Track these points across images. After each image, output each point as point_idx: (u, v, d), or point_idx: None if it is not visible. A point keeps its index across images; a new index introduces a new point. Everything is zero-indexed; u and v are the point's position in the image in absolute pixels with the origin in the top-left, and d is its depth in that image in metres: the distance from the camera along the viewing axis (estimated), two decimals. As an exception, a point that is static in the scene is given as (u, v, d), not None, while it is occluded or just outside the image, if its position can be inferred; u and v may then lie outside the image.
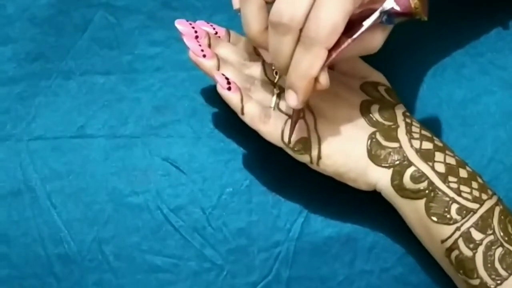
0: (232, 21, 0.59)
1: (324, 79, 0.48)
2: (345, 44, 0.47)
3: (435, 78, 0.60)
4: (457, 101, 0.59)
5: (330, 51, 0.47)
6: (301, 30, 0.47)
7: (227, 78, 0.53)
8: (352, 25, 0.47)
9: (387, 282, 0.56)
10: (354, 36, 0.47)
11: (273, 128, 0.53)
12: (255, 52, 0.57)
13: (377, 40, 0.49)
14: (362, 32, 0.48)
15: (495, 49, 0.60)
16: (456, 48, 0.60)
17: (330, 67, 0.57)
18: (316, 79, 0.48)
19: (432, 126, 0.58)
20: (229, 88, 0.53)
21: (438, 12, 0.61)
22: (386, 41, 0.60)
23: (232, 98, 0.53)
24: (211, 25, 0.56)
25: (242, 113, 0.53)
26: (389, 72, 0.56)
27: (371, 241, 0.56)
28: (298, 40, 0.47)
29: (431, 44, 0.61)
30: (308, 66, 0.47)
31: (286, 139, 0.52)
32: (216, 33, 0.56)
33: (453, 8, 0.61)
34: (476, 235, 0.50)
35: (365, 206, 0.54)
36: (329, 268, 0.56)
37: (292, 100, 0.49)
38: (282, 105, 0.53)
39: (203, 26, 0.56)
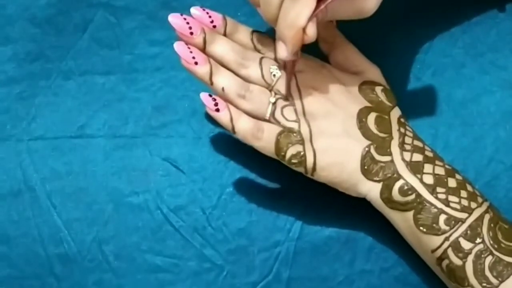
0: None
1: (311, 31, 0.48)
2: None
3: (435, 78, 0.59)
4: (457, 101, 0.59)
5: (319, 2, 0.47)
6: None
7: (214, 99, 0.52)
8: None
9: (387, 282, 0.56)
10: None
11: (266, 142, 0.52)
12: (253, 47, 0.55)
13: (371, 2, 0.48)
14: None
15: (495, 49, 0.60)
16: (456, 47, 0.60)
17: (327, 54, 0.57)
18: (304, 31, 0.48)
19: (432, 126, 0.58)
20: (217, 110, 0.52)
21: (437, 11, 0.61)
22: (386, 41, 0.60)
23: (221, 118, 0.52)
24: (207, 12, 0.54)
25: (234, 132, 0.52)
26: (389, 72, 0.56)
27: (371, 241, 0.57)
28: None
29: (431, 43, 0.61)
30: (296, 15, 0.47)
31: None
32: (212, 21, 0.54)
33: (452, 7, 0.61)
34: (465, 245, 0.50)
35: (365, 206, 0.54)
36: (329, 268, 0.56)
37: (282, 51, 0.49)
38: (277, 114, 0.53)
39: (197, 11, 0.54)
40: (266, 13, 0.49)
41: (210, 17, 0.54)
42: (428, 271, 0.54)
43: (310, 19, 0.47)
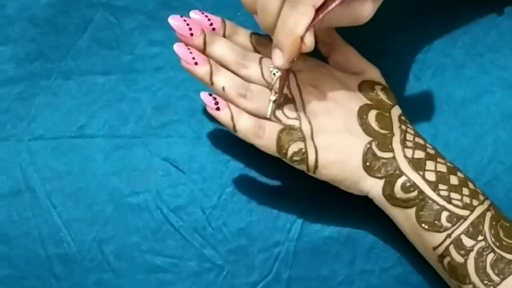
0: (232, 21, 0.59)
1: (309, 40, 0.48)
2: (333, 5, 0.47)
3: (435, 78, 0.60)
4: (457, 101, 0.59)
5: (318, 11, 0.47)
6: None
7: (214, 98, 0.53)
8: None
9: (387, 282, 0.56)
10: None
11: (268, 140, 0.52)
12: (253, 48, 0.56)
13: (367, 10, 0.48)
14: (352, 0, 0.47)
15: (495, 49, 0.60)
16: (456, 47, 0.60)
17: (326, 56, 0.57)
18: (302, 40, 0.48)
19: (432, 126, 0.58)
20: (217, 108, 0.52)
21: (437, 12, 0.61)
22: (386, 41, 0.60)
23: (222, 117, 0.52)
24: (206, 16, 0.55)
25: (235, 131, 0.52)
26: (389, 72, 0.56)
27: (371, 241, 0.57)
28: None
29: (431, 43, 0.61)
30: (294, 24, 0.47)
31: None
32: (211, 24, 0.55)
33: (452, 8, 0.61)
34: (467, 242, 0.50)
35: (365, 206, 0.54)
36: (329, 268, 0.56)
37: (278, 59, 0.49)
38: (278, 112, 0.53)
39: (196, 15, 0.54)
40: (263, 21, 0.49)
41: (209, 20, 0.55)
42: (428, 270, 0.54)
43: (308, 29, 0.47)
